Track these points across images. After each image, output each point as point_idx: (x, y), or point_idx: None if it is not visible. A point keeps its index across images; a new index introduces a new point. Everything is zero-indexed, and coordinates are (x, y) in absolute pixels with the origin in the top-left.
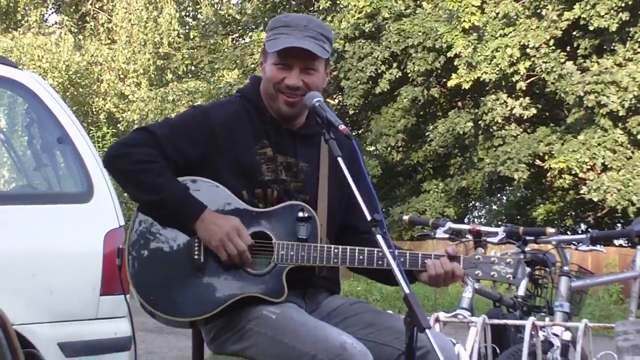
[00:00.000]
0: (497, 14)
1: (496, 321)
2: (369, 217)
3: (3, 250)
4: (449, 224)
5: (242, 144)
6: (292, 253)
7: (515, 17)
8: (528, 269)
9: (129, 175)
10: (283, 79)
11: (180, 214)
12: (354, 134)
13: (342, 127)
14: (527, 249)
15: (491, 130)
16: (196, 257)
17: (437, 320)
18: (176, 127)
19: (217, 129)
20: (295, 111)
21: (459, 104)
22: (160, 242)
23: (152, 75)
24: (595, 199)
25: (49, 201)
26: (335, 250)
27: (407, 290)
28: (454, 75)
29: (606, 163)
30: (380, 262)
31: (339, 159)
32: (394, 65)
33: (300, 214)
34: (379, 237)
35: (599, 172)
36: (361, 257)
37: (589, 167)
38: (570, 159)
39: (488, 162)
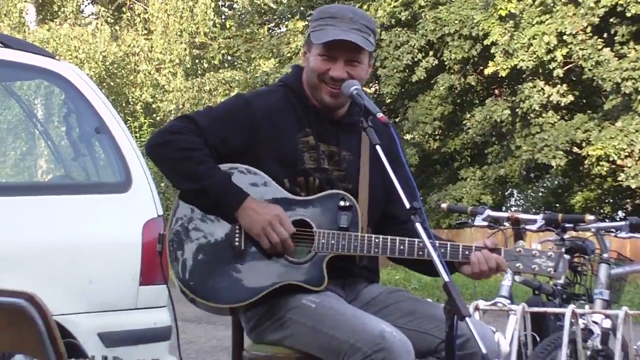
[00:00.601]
0: (534, 1)
1: (536, 309)
2: (407, 205)
3: (42, 241)
4: (488, 212)
5: (284, 133)
6: (332, 242)
7: (551, 4)
8: (567, 257)
9: (172, 162)
10: (328, 70)
11: (221, 202)
12: (391, 122)
13: (380, 114)
14: (566, 236)
15: (528, 117)
16: (237, 244)
17: (476, 308)
18: (219, 115)
19: (259, 118)
20: (339, 102)
21: (496, 91)
22: (201, 228)
23: (188, 65)
24: (634, 186)
25: (88, 191)
26: (376, 240)
27: (446, 279)
28: (490, 63)
29: None
30: (420, 253)
31: (377, 147)
32: (431, 53)
33: (342, 203)
34: (418, 225)
35: (637, 158)
36: (402, 247)
37: (626, 154)
38: (608, 146)
39: (525, 149)
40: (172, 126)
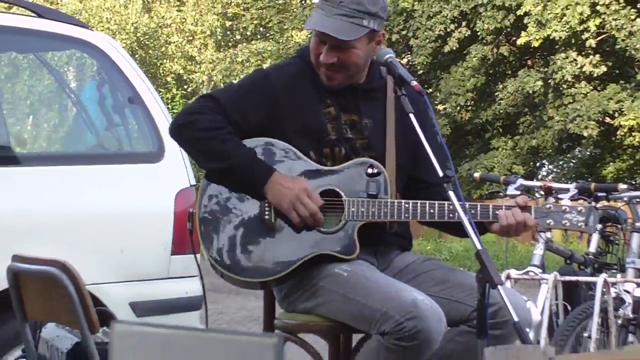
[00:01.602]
0: None
1: (567, 278)
2: (441, 174)
3: (75, 210)
4: (520, 181)
5: (306, 105)
6: (362, 209)
7: None
8: (600, 225)
9: (195, 142)
10: (320, 54)
11: (248, 179)
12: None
13: (414, 83)
14: (598, 205)
15: (561, 89)
16: (267, 217)
17: (508, 277)
18: (239, 92)
19: (280, 92)
20: (334, 84)
21: (529, 62)
22: (229, 204)
23: (219, 37)
24: None
25: (120, 161)
26: (406, 205)
27: (479, 247)
28: (523, 34)
29: None
30: (451, 216)
31: (411, 115)
32: (463, 24)
33: (370, 170)
34: (451, 194)
35: None
36: (432, 211)
37: None
38: None
39: (557, 119)
40: (194, 106)
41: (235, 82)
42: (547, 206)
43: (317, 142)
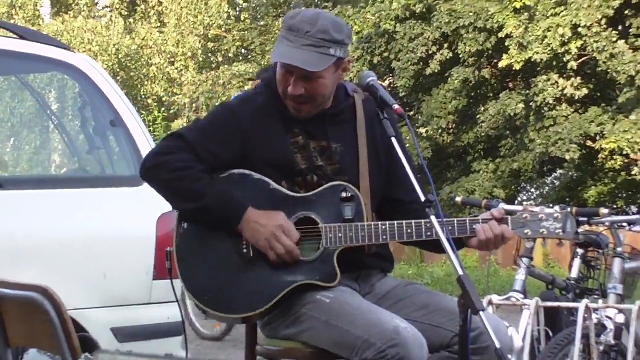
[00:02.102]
0: None
1: (549, 304)
2: (423, 198)
3: (57, 235)
4: (502, 205)
5: (274, 137)
6: (340, 235)
7: None
8: (581, 251)
9: (167, 184)
10: (287, 86)
11: (223, 218)
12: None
13: (396, 106)
14: (580, 230)
15: (542, 111)
16: (245, 251)
17: (490, 303)
18: (206, 129)
19: (246, 127)
20: (306, 114)
21: (511, 85)
22: (207, 240)
23: (200, 59)
24: None
25: (102, 185)
26: (383, 227)
27: (460, 272)
28: (505, 56)
29: None
30: (429, 234)
31: (393, 139)
32: (445, 46)
33: (344, 194)
34: (433, 218)
35: None
36: (409, 230)
37: None
38: (622, 139)
39: (539, 142)
40: (162, 147)
41: (201, 118)
42: (524, 216)
43: (288, 173)
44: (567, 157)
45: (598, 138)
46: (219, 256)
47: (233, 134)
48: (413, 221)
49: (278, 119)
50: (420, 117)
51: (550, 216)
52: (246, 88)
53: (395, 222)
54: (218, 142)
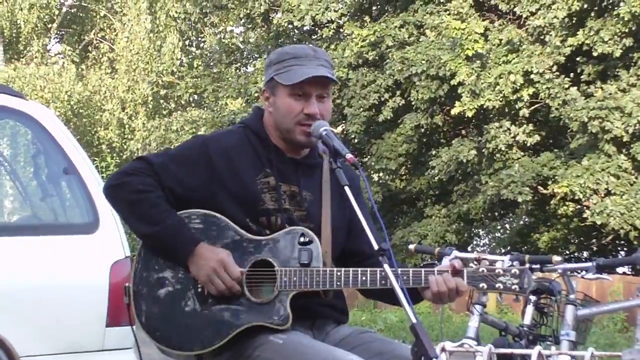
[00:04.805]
0: (501, 40)
1: (502, 350)
2: (376, 247)
3: (9, 282)
4: (455, 253)
5: (243, 174)
6: (295, 278)
7: (518, 43)
8: (534, 298)
9: (126, 204)
10: (302, 109)
11: (172, 249)
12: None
13: (349, 156)
14: (533, 277)
15: (495, 158)
16: (199, 289)
17: (443, 349)
18: (174, 156)
19: (216, 159)
20: (312, 140)
21: (463, 131)
22: (163, 276)
23: (150, 106)
24: (599, 222)
25: (55, 232)
26: (338, 273)
27: (414, 320)
28: (457, 103)
29: (610, 188)
30: (383, 282)
31: (346, 187)
32: (398, 93)
33: (302, 239)
34: (386, 266)
35: (602, 195)
36: (364, 278)
37: (592, 191)
38: (574, 184)
39: (492, 185)
40: (128, 167)
41: (173, 147)
42: (480, 269)
43: (253, 212)
44: (520, 200)
45: (550, 182)
46: (175, 292)
47: (200, 163)
48: (368, 269)
49: (251, 157)
50: (371, 161)
51: (508, 271)
52: (200, 133)
53: (351, 269)
54: (183, 169)
